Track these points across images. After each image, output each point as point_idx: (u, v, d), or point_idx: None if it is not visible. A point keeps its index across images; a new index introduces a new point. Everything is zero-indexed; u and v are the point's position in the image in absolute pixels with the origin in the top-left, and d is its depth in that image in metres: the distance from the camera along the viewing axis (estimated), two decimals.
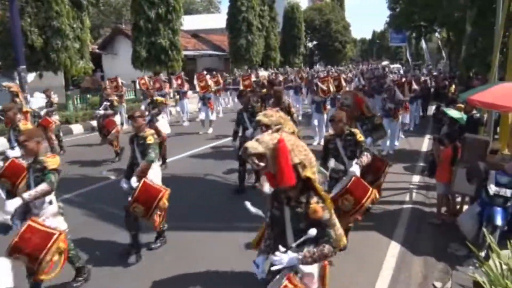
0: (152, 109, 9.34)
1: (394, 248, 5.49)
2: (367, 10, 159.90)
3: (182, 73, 17.17)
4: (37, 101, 14.40)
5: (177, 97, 17.20)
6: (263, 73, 19.14)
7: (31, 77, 16.21)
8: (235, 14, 29.12)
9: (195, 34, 34.04)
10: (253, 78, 18.78)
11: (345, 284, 4.63)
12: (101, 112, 10.78)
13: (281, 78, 20.03)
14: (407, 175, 9.01)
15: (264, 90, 14.48)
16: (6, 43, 14.91)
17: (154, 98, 9.82)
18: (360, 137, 5.02)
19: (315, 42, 48.71)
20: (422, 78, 18.93)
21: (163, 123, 9.33)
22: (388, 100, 10.78)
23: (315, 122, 11.74)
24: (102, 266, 4.99)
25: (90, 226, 6.18)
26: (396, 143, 11.13)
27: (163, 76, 20.35)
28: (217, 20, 38.70)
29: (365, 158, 4.88)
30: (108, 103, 10.78)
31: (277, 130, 2.61)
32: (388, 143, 10.64)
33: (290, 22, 37.61)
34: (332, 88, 12.12)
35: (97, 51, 26.93)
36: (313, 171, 2.60)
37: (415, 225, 6.32)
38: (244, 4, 29.01)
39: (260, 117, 4.78)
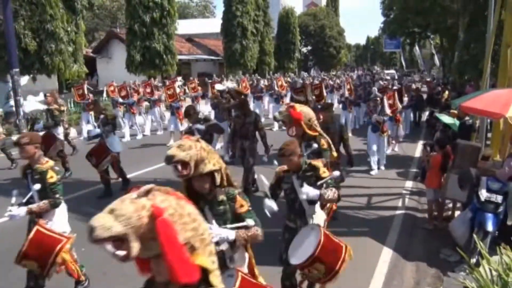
0: (102, 125, 8.24)
1: (387, 254, 5.50)
2: (362, 16, 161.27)
3: (152, 80, 16.27)
4: (30, 104, 14.35)
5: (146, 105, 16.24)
6: (228, 84, 16.81)
7: (24, 80, 16.15)
8: (230, 19, 29.20)
9: (189, 39, 34.08)
10: (221, 87, 15.55)
11: None
12: (40, 125, 9.89)
13: (262, 84, 19.17)
14: (400, 180, 9.05)
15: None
16: None
17: (105, 113, 8.55)
18: (323, 172, 3.70)
19: (309, 48, 48.91)
20: (414, 86, 18.57)
21: (113, 141, 8.27)
22: (374, 112, 9.63)
23: None
24: (96, 270, 4.95)
25: (82, 230, 6.13)
26: (384, 161, 9.88)
27: (137, 81, 18.58)
28: (212, 24, 38.76)
29: (331, 194, 3.56)
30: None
31: (147, 193, 1.56)
32: (374, 161, 9.45)
33: (285, 27, 37.75)
34: (310, 98, 11.11)
35: (91, 54, 26.88)
36: (210, 254, 1.60)
37: (408, 230, 6.35)
38: (239, 9, 29.11)
39: (172, 151, 2.75)
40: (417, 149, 12.13)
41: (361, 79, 26.08)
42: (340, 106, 15.36)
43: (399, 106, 10.77)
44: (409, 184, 8.76)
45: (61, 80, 18.02)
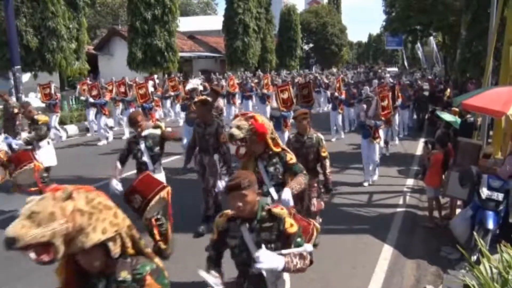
0: (33, 131, 6.99)
1: (387, 251, 5.50)
2: (364, 14, 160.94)
3: (126, 79, 14.58)
4: (32, 101, 14.33)
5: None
6: (195, 81, 14.68)
7: (26, 77, 16.17)
8: (232, 16, 29.15)
9: (191, 36, 34.05)
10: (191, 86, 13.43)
11: (338, 286, 4.64)
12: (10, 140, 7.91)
13: (252, 83, 17.89)
14: (401, 178, 9.05)
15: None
16: (1, 43, 14.84)
17: (35, 117, 7.07)
18: (290, 225, 2.60)
19: (311, 45, 48.81)
20: (415, 84, 17.55)
21: (47, 152, 7.13)
22: (366, 114, 8.54)
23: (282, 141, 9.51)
24: None
25: None
26: (377, 171, 8.85)
27: (137, 78, 17.33)
28: (214, 22, 38.72)
29: (301, 262, 2.56)
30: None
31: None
32: (366, 170, 8.58)
33: (287, 24, 37.68)
34: (294, 99, 10.00)
35: (93, 52, 26.88)
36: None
37: (408, 228, 6.35)
38: (240, 6, 29.06)
39: (14, 231, 1.68)
40: (418, 147, 12.12)
41: (356, 77, 25.06)
42: (330, 106, 14.03)
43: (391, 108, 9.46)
44: (410, 182, 8.76)
45: (62, 77, 18.01)
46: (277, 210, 2.61)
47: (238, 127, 3.62)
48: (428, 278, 4.87)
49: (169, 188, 4.66)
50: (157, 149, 5.30)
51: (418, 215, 6.94)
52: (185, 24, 30.84)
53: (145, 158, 5.23)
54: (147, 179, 4.66)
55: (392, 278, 4.85)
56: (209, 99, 6.33)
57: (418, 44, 36.26)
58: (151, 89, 13.35)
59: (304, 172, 3.78)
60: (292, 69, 34.53)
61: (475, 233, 4.50)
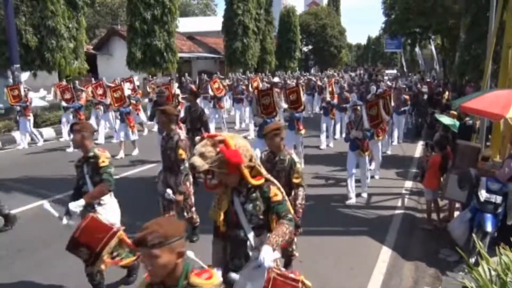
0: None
1: (385, 253, 5.51)
2: (363, 16, 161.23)
3: (104, 80, 13.90)
4: (37, 100, 14.34)
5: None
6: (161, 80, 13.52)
7: (25, 76, 16.15)
8: (231, 17, 29.16)
9: (190, 36, 34.05)
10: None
11: None
12: None
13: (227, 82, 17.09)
14: (399, 180, 9.06)
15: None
16: (0, 42, 14.82)
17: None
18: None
19: (310, 47, 48.86)
20: (414, 88, 16.68)
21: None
22: (354, 124, 7.59)
23: (257, 152, 7.39)
24: None
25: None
26: (368, 180, 8.07)
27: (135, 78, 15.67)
28: (213, 22, 38.72)
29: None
30: None
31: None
32: (351, 186, 7.44)
33: (286, 26, 37.72)
34: (278, 105, 9.14)
35: (92, 51, 26.86)
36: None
37: (407, 230, 6.36)
38: (240, 7, 29.07)
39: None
40: (417, 149, 12.14)
41: (358, 79, 23.77)
42: (322, 112, 13.04)
43: (385, 117, 8.45)
44: (408, 184, 8.77)
45: (62, 76, 18.00)
46: (198, 280, 1.96)
47: (202, 155, 2.61)
48: (426, 280, 4.87)
49: (121, 232, 4.00)
50: (97, 178, 4.11)
51: (417, 217, 6.94)
52: (185, 24, 30.82)
53: (88, 186, 4.15)
54: (91, 225, 3.85)
55: (391, 280, 4.85)
56: (170, 109, 5.34)
57: (417, 47, 36.34)
58: (128, 92, 12.11)
59: (290, 216, 2.80)
60: (292, 71, 34.53)
61: (474, 235, 4.50)
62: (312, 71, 41.89)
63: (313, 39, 47.43)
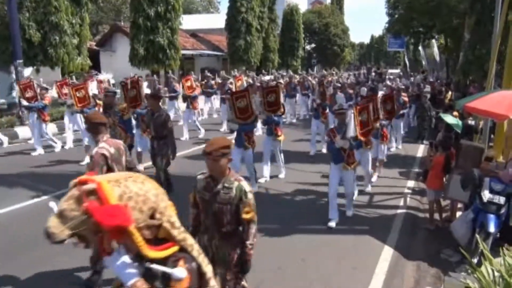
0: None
1: (387, 253, 5.50)
2: (366, 15, 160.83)
3: (68, 78, 12.62)
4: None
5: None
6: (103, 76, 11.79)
7: (28, 71, 16.16)
8: (235, 15, 29.10)
9: (193, 34, 34.00)
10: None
11: (338, 287, 4.63)
12: None
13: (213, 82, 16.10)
14: (401, 180, 9.04)
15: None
16: (3, 37, 14.82)
17: None
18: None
19: (313, 45, 48.76)
20: (414, 89, 16.00)
21: None
22: (336, 132, 6.25)
23: (236, 163, 7.30)
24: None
25: None
26: (355, 196, 7.18)
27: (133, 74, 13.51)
28: (216, 20, 38.65)
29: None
30: None
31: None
32: (333, 207, 6.36)
33: (289, 24, 37.63)
34: (255, 107, 7.90)
35: (95, 47, 26.85)
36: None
37: (409, 230, 6.35)
38: (243, 5, 29.01)
39: None
40: (419, 149, 12.11)
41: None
42: (312, 114, 12.07)
43: (376, 125, 7.45)
44: (410, 183, 8.76)
45: (64, 72, 18.00)
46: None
47: (61, 215, 1.58)
48: (428, 280, 4.86)
49: None
50: None
51: (419, 217, 6.93)
52: (188, 22, 30.77)
53: None
54: None
55: (392, 279, 4.84)
56: (92, 115, 4.55)
57: (420, 47, 36.24)
58: (95, 91, 11.15)
59: None
60: (293, 69, 34.49)
61: (477, 236, 4.49)
62: (315, 69, 41.80)
63: (316, 37, 47.31)
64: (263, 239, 5.63)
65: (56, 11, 15.55)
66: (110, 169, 4.14)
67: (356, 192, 7.33)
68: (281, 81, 17.60)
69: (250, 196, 3.19)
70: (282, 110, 8.52)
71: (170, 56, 21.12)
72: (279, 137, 8.50)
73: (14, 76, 14.03)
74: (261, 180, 8.40)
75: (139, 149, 8.89)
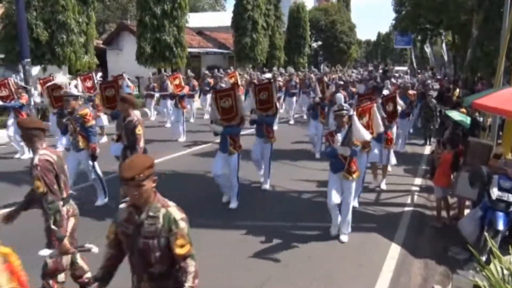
0: None
1: (394, 250, 5.47)
2: (373, 12, 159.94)
3: (53, 76, 11.63)
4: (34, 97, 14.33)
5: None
6: (61, 79, 9.95)
7: (35, 70, 16.26)
8: (241, 13, 29.08)
9: (200, 32, 34.04)
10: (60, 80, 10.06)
11: (345, 285, 4.62)
12: None
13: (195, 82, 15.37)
14: (408, 177, 8.99)
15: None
16: (11, 36, 14.94)
17: None
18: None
19: (320, 43, 48.59)
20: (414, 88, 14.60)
21: None
22: (333, 136, 5.55)
23: (217, 171, 6.79)
24: (96, 260, 4.98)
25: (82, 222, 6.14)
26: (349, 227, 5.88)
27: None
28: (223, 18, 38.65)
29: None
30: None
31: None
32: (334, 219, 5.81)
33: (295, 22, 37.52)
34: (237, 108, 6.85)
35: (101, 46, 26.96)
36: None
37: (416, 227, 6.31)
38: (250, 2, 28.98)
39: None
40: (426, 146, 12.04)
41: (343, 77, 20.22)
42: (309, 113, 11.37)
43: (379, 128, 6.54)
44: (418, 181, 8.72)
45: (72, 70, 18.11)
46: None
47: None
48: (436, 278, 4.84)
49: None
50: None
51: (426, 214, 6.90)
52: (194, 20, 30.78)
53: None
54: None
55: (400, 277, 4.82)
56: (25, 121, 4.12)
57: (428, 44, 36.00)
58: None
59: None
60: (302, 66, 34.40)
61: (485, 233, 4.45)
62: (321, 67, 41.67)
63: (323, 35, 47.13)
64: (269, 237, 5.63)
65: (63, 10, 15.66)
66: (57, 177, 3.77)
67: (351, 207, 5.82)
68: (280, 78, 16.94)
69: (183, 225, 2.53)
70: (274, 109, 7.78)
71: (176, 54, 21.17)
72: (271, 139, 7.69)
73: (21, 75, 14.12)
74: (266, 187, 7.85)
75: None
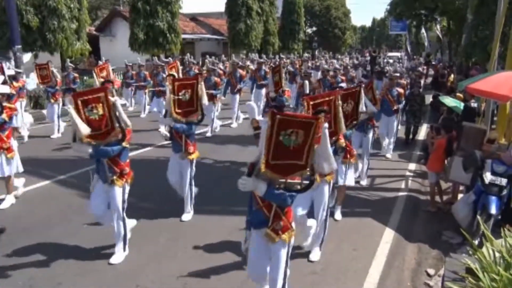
0: None
1: (389, 235, 5.51)
2: None
3: (3, 64, 10.59)
4: (33, 81, 14.26)
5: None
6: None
7: (26, 57, 16.07)
8: None
9: (193, 18, 33.69)
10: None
11: (339, 269, 4.66)
12: None
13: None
14: (403, 162, 9.03)
15: None
16: (1, 22, 14.70)
17: None
18: None
19: (314, 28, 48.28)
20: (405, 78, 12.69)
21: None
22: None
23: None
24: (98, 246, 5.00)
25: (83, 208, 6.12)
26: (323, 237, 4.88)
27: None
28: (216, 3, 38.22)
29: None
30: None
31: None
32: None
33: (290, 7, 37.19)
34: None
35: (94, 33, 26.63)
36: None
37: (410, 212, 6.36)
38: None
39: None
40: (421, 132, 12.06)
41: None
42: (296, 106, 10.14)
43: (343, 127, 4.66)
44: (412, 166, 8.75)
45: (64, 57, 17.91)
46: None
47: None
48: (429, 261, 4.89)
49: None
50: None
51: (420, 199, 6.93)
52: (187, 5, 30.40)
53: None
54: None
55: (394, 261, 4.86)
56: None
57: (423, 29, 35.84)
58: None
59: None
60: (296, 52, 34.22)
61: (478, 217, 4.49)
62: (316, 52, 41.39)
63: (317, 20, 46.82)
64: None
65: None
66: None
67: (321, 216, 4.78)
68: (252, 66, 15.89)
69: None
70: (199, 115, 5.71)
71: (170, 41, 20.98)
72: (191, 155, 5.73)
73: (13, 62, 13.96)
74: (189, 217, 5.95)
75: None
